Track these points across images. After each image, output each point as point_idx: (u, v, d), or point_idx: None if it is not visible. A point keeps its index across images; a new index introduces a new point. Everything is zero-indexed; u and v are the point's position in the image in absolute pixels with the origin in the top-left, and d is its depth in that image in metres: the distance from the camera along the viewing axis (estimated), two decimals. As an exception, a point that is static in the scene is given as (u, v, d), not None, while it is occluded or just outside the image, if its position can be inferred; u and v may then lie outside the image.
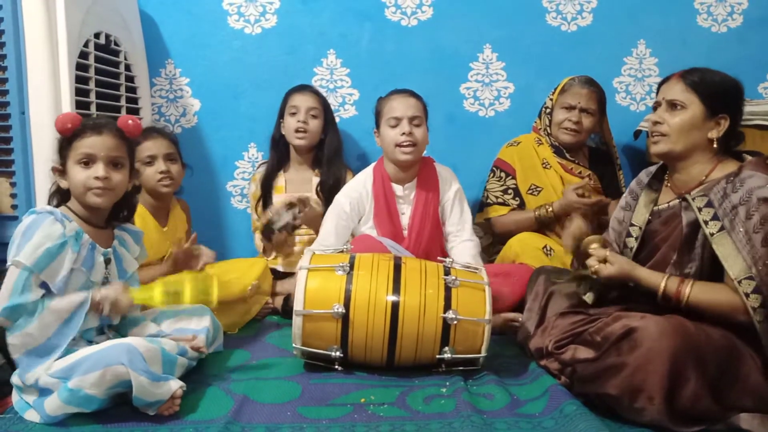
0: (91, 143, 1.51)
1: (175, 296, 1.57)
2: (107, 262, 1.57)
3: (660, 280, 1.52)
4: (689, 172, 1.59)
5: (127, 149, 1.58)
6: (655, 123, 1.60)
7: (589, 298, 1.72)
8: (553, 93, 2.42)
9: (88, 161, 1.51)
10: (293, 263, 2.36)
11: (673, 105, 1.58)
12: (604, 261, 1.59)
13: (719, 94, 1.55)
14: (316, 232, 2.27)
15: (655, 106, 1.64)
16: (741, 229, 1.42)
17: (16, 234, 1.45)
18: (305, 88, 2.52)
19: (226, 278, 2.13)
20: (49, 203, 1.58)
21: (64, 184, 1.54)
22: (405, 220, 2.20)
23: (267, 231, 2.19)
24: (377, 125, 2.21)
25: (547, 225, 2.34)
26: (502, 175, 2.44)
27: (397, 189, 2.20)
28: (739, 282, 1.41)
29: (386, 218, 2.17)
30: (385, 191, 2.18)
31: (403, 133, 2.09)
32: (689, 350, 1.35)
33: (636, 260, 1.68)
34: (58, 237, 1.44)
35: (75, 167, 1.51)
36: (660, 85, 1.66)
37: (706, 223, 1.48)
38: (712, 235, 1.46)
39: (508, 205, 2.41)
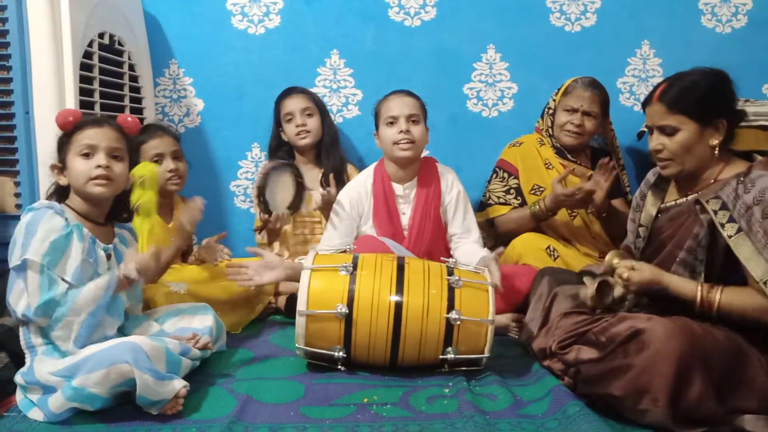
0: (92, 134, 1.52)
1: (147, 207, 1.56)
2: (108, 257, 1.57)
3: (695, 288, 1.48)
4: (697, 175, 1.58)
5: (126, 144, 1.59)
6: (657, 150, 1.57)
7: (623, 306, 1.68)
8: (556, 94, 2.41)
9: (89, 153, 1.52)
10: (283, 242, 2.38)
11: (665, 131, 1.54)
12: (632, 269, 1.56)
13: (705, 104, 1.51)
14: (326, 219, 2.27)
15: (650, 131, 1.60)
16: (759, 230, 1.40)
17: (18, 232, 1.45)
18: (292, 91, 2.53)
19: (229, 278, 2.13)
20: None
21: (63, 180, 1.55)
22: (405, 220, 2.19)
23: (262, 198, 2.16)
24: (376, 127, 2.21)
25: (545, 221, 2.33)
26: (505, 175, 2.44)
27: (398, 188, 2.20)
28: (765, 283, 1.38)
29: (386, 217, 2.17)
30: (384, 190, 2.18)
31: (401, 131, 2.09)
32: (696, 352, 1.35)
33: (642, 257, 1.68)
34: (62, 229, 1.45)
35: (76, 159, 1.51)
36: (643, 107, 1.62)
37: (722, 225, 1.45)
38: (730, 237, 1.43)
39: (509, 204, 2.41)
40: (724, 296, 1.45)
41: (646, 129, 2.58)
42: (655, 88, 1.58)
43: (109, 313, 1.53)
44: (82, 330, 1.45)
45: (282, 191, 2.20)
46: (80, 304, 1.44)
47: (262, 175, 2.16)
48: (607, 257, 1.65)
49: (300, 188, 2.22)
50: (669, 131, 1.53)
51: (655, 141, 1.57)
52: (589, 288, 1.64)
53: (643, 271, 1.54)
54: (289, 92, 2.54)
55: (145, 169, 1.57)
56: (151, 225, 1.57)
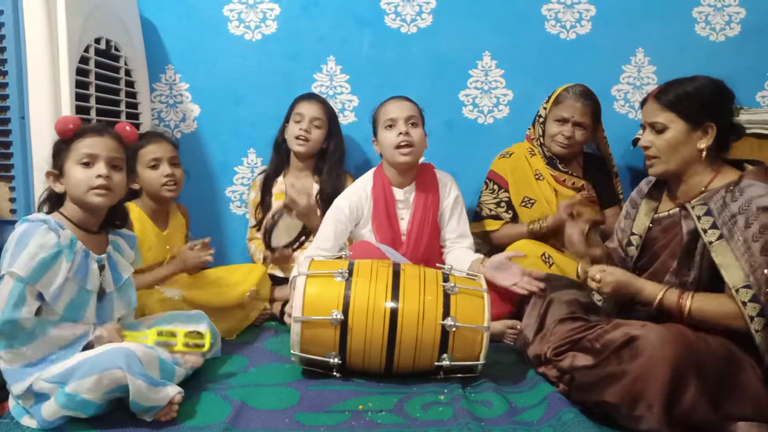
0: (92, 143, 1.51)
1: (167, 343, 1.58)
2: (101, 268, 1.56)
3: (657, 292, 1.52)
4: (688, 183, 1.59)
5: (124, 154, 1.58)
6: (645, 148, 1.61)
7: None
8: (547, 102, 2.41)
9: (89, 161, 1.50)
10: (292, 269, 2.36)
11: (654, 127, 1.58)
12: (603, 271, 1.60)
13: (697, 106, 1.54)
14: (312, 227, 2.28)
15: (643, 128, 1.65)
16: (740, 238, 1.42)
17: (9, 242, 1.44)
18: (312, 97, 2.54)
19: (224, 284, 2.13)
20: (39, 210, 1.57)
21: (59, 188, 1.53)
22: (404, 225, 2.20)
23: (267, 238, 2.21)
24: (375, 133, 2.22)
25: (540, 238, 2.34)
26: (495, 187, 2.45)
27: (398, 193, 2.20)
28: (737, 290, 1.41)
29: (385, 221, 2.17)
30: (385, 194, 2.18)
31: (400, 133, 2.09)
32: (690, 359, 1.35)
33: (636, 267, 1.69)
34: (52, 246, 1.43)
35: (75, 168, 1.50)
36: (641, 106, 1.67)
37: (705, 231, 1.48)
38: (710, 243, 1.46)
39: (501, 218, 2.42)
40: (695, 302, 1.47)
41: (640, 136, 2.61)
42: (654, 89, 1.63)
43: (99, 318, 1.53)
44: (34, 363, 1.43)
45: (287, 231, 2.25)
46: (43, 343, 1.43)
47: (274, 217, 2.21)
48: (579, 270, 1.70)
49: (305, 231, 2.25)
50: (659, 128, 1.57)
51: (646, 138, 1.62)
52: (577, 231, 1.68)
53: (614, 274, 1.58)
54: (309, 96, 2.55)
55: (208, 340, 1.64)
56: (153, 341, 1.57)
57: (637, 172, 2.74)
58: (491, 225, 2.42)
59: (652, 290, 1.54)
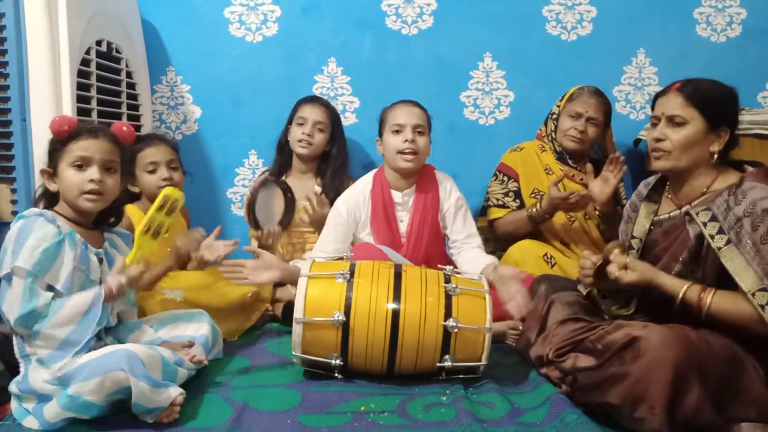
0: (86, 146, 1.50)
1: (158, 230, 1.55)
2: (100, 261, 1.55)
3: (680, 287, 1.49)
4: (690, 184, 1.58)
5: (120, 155, 1.57)
6: (657, 140, 1.58)
7: (626, 310, 1.70)
8: (561, 100, 2.42)
9: (82, 164, 1.50)
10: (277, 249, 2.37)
11: (673, 120, 1.55)
12: (625, 267, 1.55)
13: (718, 107, 1.54)
14: (319, 232, 2.28)
15: (654, 122, 1.62)
16: (748, 241, 1.41)
17: (8, 240, 1.43)
18: (316, 101, 2.54)
19: (225, 285, 2.13)
20: (35, 206, 1.56)
21: (53, 187, 1.53)
22: (403, 227, 2.20)
23: (252, 217, 2.17)
24: (380, 133, 2.22)
25: (542, 224, 2.33)
26: (505, 178, 2.45)
27: (396, 196, 2.20)
28: (753, 294, 1.39)
29: (384, 224, 2.17)
30: (383, 197, 2.18)
31: (406, 140, 2.10)
32: (692, 360, 1.34)
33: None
34: (54, 236, 1.43)
35: (68, 170, 1.50)
36: (656, 98, 1.63)
37: (712, 237, 1.46)
38: (719, 249, 1.44)
39: (507, 207, 2.42)
40: (715, 299, 1.45)
41: (641, 137, 2.61)
42: (673, 83, 1.60)
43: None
44: (66, 341, 1.42)
45: (272, 207, 2.22)
46: (62, 317, 1.42)
47: (251, 192, 2.18)
48: (609, 245, 1.62)
49: (290, 204, 2.24)
50: (678, 121, 1.54)
51: (660, 130, 1.58)
52: (588, 269, 1.64)
53: (635, 272, 1.54)
54: (313, 99, 2.55)
55: (177, 193, 1.57)
56: (152, 247, 1.55)
57: (637, 172, 2.74)
58: (497, 213, 2.43)
59: (675, 285, 1.50)
